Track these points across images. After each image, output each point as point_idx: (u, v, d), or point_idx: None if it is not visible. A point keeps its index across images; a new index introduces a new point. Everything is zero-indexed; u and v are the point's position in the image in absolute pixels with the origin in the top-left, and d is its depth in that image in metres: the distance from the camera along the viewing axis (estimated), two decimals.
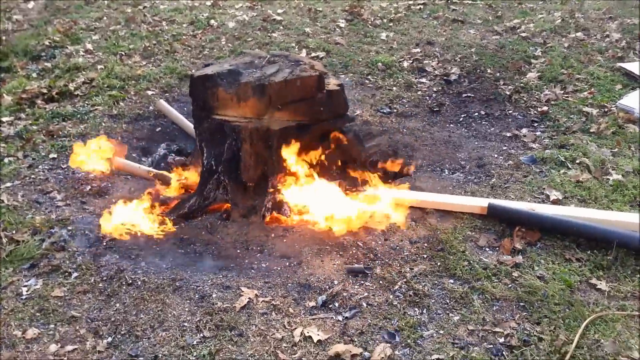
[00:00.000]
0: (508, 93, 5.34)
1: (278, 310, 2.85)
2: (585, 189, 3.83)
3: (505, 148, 4.50)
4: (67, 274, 3.08)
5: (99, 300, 2.91)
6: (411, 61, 5.98)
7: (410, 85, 5.59)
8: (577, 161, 4.17)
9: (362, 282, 3.05)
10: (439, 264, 3.18)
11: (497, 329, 2.74)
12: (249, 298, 2.91)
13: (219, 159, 3.82)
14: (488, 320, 2.79)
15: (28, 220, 3.51)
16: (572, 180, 3.93)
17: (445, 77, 5.68)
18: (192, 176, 4.26)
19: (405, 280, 3.05)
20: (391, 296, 2.96)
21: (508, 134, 4.71)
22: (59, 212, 3.65)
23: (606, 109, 4.92)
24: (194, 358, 2.57)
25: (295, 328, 2.73)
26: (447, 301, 2.92)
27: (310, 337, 2.68)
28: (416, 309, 2.87)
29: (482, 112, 5.08)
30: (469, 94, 5.38)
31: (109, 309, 2.86)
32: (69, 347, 2.62)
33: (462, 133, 4.77)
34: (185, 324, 2.77)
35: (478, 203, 3.56)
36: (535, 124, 4.85)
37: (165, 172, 4.26)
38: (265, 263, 3.25)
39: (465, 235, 3.42)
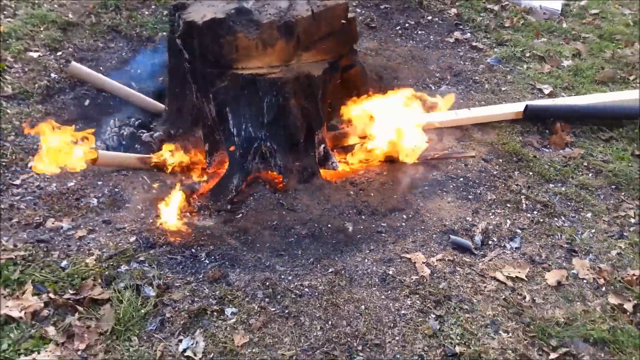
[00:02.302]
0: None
1: (460, 265, 2.70)
2: (556, 77, 4.34)
3: (461, 53, 4.72)
4: (218, 314, 2.34)
5: (293, 326, 2.33)
6: None
7: None
8: (527, 54, 4.65)
9: (492, 214, 3.05)
10: (530, 173, 3.35)
11: (619, 213, 3.10)
12: (425, 262, 2.67)
13: (257, 122, 3.18)
14: (610, 208, 3.12)
15: (72, 271, 2.47)
16: (543, 72, 4.40)
17: None
18: (178, 149, 3.46)
19: (524, 196, 3.15)
20: (529, 215, 3.05)
21: (450, 40, 4.92)
22: (88, 244, 2.65)
23: (503, 4, 5.47)
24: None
25: (490, 273, 2.65)
26: (569, 204, 3.14)
27: (517, 276, 2.64)
28: (556, 219, 3.03)
29: (411, 22, 5.15)
30: (385, 5, 5.35)
31: (328, 332, 2.32)
32: None
33: (413, 45, 4.80)
34: (403, 312, 2.43)
35: (514, 109, 3.77)
36: (461, 27, 5.15)
37: (155, 155, 3.37)
38: (390, 222, 2.97)
39: (519, 141, 3.62)
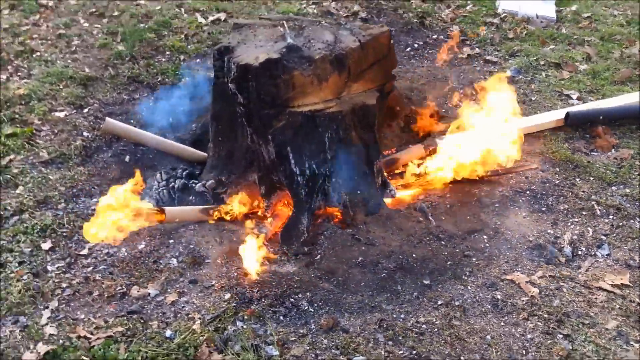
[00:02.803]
0: (416, 20, 5.54)
1: (562, 279, 2.69)
2: (578, 82, 4.45)
3: (478, 68, 4.79)
4: None
5: None
6: (313, 7, 5.58)
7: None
8: (542, 63, 4.75)
9: (571, 223, 3.05)
10: (591, 179, 3.38)
11: None
12: (528, 282, 2.65)
13: (319, 158, 3.11)
14: None
15: (181, 341, 2.32)
16: (564, 78, 4.50)
17: (358, 16, 5.54)
18: (244, 198, 3.35)
19: (594, 202, 3.17)
20: (606, 220, 3.07)
21: (463, 56, 4.98)
22: (183, 308, 2.53)
23: (500, 16, 5.60)
24: None
25: (594, 284, 2.65)
26: (637, 204, 3.18)
27: (622, 283, 2.64)
28: (632, 221, 3.06)
29: (418, 42, 5.21)
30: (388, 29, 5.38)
31: None
32: None
33: (429, 65, 4.85)
34: (529, 336, 2.38)
35: (555, 116, 3.82)
36: (467, 42, 5.23)
37: (217, 206, 3.26)
38: (472, 244, 2.93)
39: (567, 148, 3.67)
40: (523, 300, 2.53)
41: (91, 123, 3.76)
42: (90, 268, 2.72)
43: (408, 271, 2.77)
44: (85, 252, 2.81)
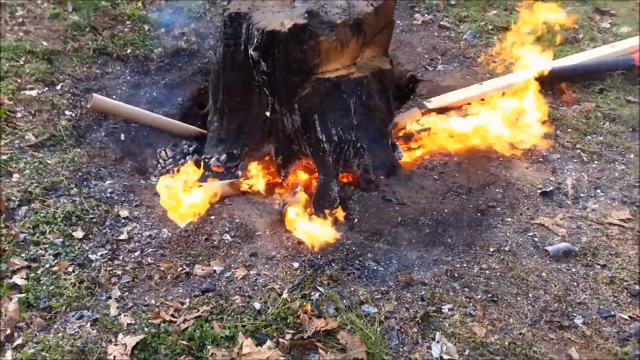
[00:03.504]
0: None
1: (579, 219, 3.03)
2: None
3: (436, 34, 5.05)
4: (438, 314, 2.37)
5: (506, 307, 2.45)
6: None
7: None
8: (490, 27, 5.14)
9: (567, 170, 3.41)
10: (569, 130, 3.79)
11: None
12: (554, 224, 2.96)
13: (344, 124, 3.18)
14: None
15: (276, 311, 2.31)
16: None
17: None
18: (262, 170, 3.35)
19: (579, 150, 3.57)
20: (594, 165, 3.48)
21: (418, 22, 5.21)
22: (257, 281, 2.49)
23: None
24: None
25: (604, 220, 3.01)
26: (613, 150, 3.62)
27: (627, 218, 3.04)
28: (613, 164, 3.50)
29: None
30: None
31: (535, 304, 2.46)
32: None
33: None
34: (574, 270, 2.69)
35: (527, 75, 4.17)
36: (416, 9, 5.47)
37: (237, 180, 3.22)
38: (491, 196, 3.18)
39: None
40: (557, 240, 2.82)
41: (70, 101, 3.43)
42: (138, 252, 2.55)
43: (448, 225, 2.94)
44: (124, 236, 2.62)
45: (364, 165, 3.30)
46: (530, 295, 2.48)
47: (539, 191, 3.20)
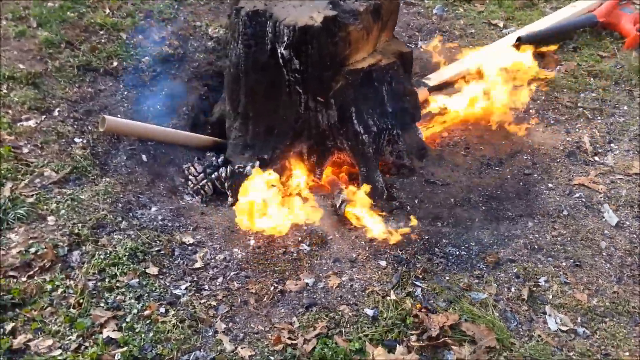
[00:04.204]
0: None
1: (607, 174, 3.23)
2: (492, 12, 5.07)
3: (405, 10, 5.11)
4: (536, 287, 2.46)
5: (590, 270, 2.58)
6: None
7: None
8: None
9: (579, 129, 3.61)
10: (565, 90, 4.00)
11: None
12: (591, 181, 3.14)
13: (378, 113, 3.18)
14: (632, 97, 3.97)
15: (394, 315, 2.28)
16: (482, 11, 5.08)
17: None
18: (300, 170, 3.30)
19: (581, 109, 3.78)
20: (599, 121, 3.71)
21: None
22: (357, 285, 2.45)
23: None
24: None
25: (627, 171, 3.23)
26: (607, 104, 3.88)
27: None
28: (614, 117, 3.75)
29: None
30: None
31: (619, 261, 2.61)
32: None
33: None
34: (628, 223, 2.88)
35: (509, 41, 4.34)
36: None
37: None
38: (521, 164, 3.32)
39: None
40: (600, 197, 2.99)
41: (74, 127, 3.14)
42: (221, 279, 2.41)
43: (499, 199, 3.03)
44: (199, 264, 2.47)
45: (397, 151, 3.30)
46: (604, 254, 2.62)
47: (563, 153, 3.35)
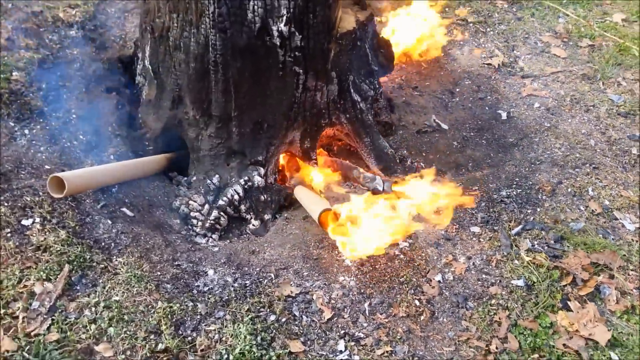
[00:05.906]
0: None
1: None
2: None
3: None
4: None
5: None
6: None
7: None
8: None
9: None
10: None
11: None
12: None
13: (365, 76, 3.04)
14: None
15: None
16: None
17: None
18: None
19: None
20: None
21: None
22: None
23: None
24: None
25: None
26: None
27: None
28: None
29: None
30: None
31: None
32: None
33: None
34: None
35: None
36: None
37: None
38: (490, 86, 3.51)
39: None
40: (550, 101, 3.35)
41: (14, 209, 2.14)
42: (361, 318, 2.06)
43: (486, 129, 3.17)
44: (327, 314, 2.05)
45: (377, 108, 3.12)
46: (597, 150, 2.99)
47: (490, 69, 3.60)
